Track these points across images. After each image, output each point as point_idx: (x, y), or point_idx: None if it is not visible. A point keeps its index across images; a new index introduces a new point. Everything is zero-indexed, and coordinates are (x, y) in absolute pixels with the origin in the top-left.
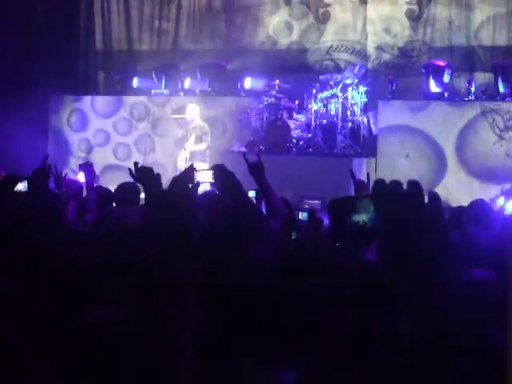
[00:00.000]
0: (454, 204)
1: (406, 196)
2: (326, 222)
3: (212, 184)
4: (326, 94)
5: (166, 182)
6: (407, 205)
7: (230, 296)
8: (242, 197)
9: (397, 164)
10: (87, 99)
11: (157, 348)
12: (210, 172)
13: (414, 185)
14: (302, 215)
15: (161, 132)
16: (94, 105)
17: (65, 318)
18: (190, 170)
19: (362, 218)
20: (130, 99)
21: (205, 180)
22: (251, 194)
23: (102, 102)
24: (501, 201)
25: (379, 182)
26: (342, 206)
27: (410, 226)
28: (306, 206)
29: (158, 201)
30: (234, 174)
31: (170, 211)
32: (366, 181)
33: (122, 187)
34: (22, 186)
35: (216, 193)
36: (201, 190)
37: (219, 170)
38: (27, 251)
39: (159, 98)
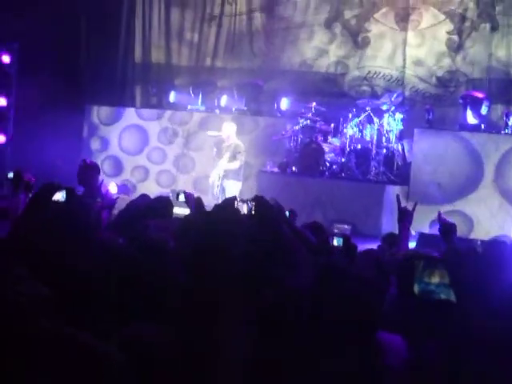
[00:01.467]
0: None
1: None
2: (360, 248)
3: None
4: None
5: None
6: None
7: (269, 319)
8: (279, 230)
9: (429, 193)
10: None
11: (196, 365)
12: (249, 202)
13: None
14: (338, 241)
15: (195, 148)
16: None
17: (107, 333)
18: (232, 201)
19: (432, 285)
20: (166, 113)
21: (244, 211)
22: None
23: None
24: None
25: (452, 250)
26: (412, 268)
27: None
28: (336, 231)
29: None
30: (273, 207)
31: (215, 237)
32: (411, 209)
33: (158, 200)
34: (60, 196)
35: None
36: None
37: (259, 203)
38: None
39: (195, 113)
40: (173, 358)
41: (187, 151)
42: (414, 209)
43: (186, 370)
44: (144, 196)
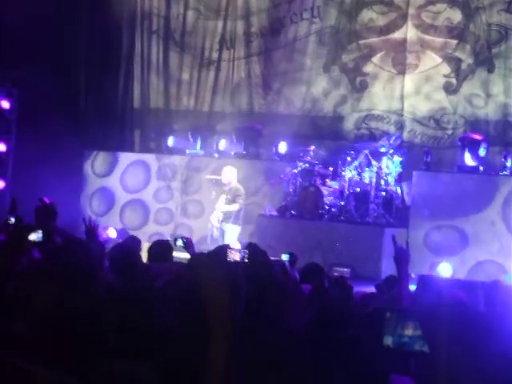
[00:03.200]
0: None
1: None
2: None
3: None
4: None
5: (197, 240)
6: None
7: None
8: (273, 274)
9: (429, 236)
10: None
11: None
12: (242, 251)
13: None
14: (285, 256)
15: (194, 192)
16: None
17: (90, 370)
18: (224, 249)
19: (405, 337)
20: (164, 158)
21: (236, 258)
22: (285, 257)
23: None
24: None
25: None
26: (382, 320)
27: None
28: (336, 274)
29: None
30: (266, 253)
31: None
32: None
33: (158, 245)
34: (35, 237)
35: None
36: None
37: (253, 249)
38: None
39: (194, 158)
40: None
41: (185, 195)
42: (407, 247)
43: None
44: (134, 238)
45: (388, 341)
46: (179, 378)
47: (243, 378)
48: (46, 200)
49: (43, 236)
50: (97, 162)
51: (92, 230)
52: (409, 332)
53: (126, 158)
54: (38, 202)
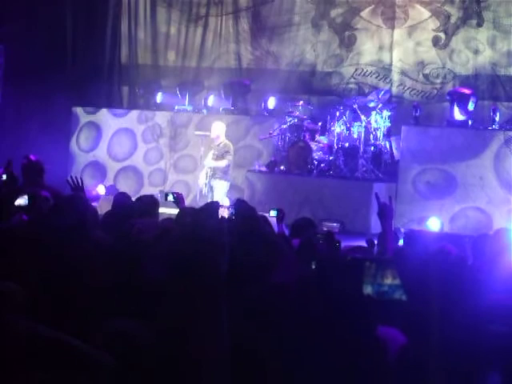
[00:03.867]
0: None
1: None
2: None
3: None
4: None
5: (189, 199)
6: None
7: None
8: (261, 229)
9: (417, 190)
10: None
11: (179, 359)
12: (230, 208)
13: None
14: (273, 213)
15: (182, 148)
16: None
17: (91, 329)
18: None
19: (385, 286)
20: (149, 119)
21: (224, 215)
22: (272, 213)
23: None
24: None
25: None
26: (362, 269)
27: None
28: (325, 229)
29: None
30: (255, 209)
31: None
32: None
33: (142, 200)
34: (22, 201)
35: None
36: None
37: (241, 205)
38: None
39: (182, 114)
40: (157, 353)
41: (174, 152)
42: (390, 202)
43: (170, 365)
44: (123, 194)
45: (368, 290)
46: (171, 333)
47: (231, 332)
48: (32, 157)
49: (29, 201)
50: (81, 138)
51: (78, 188)
52: (388, 281)
53: (109, 128)
54: (23, 159)
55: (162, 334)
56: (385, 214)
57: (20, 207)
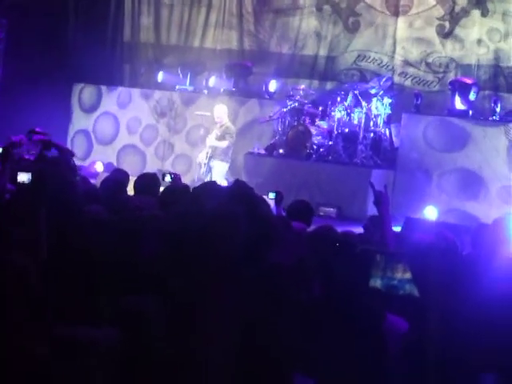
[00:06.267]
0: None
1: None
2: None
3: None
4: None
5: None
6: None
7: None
8: (259, 210)
9: (415, 178)
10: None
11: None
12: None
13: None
14: None
15: (182, 128)
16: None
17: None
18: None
19: (395, 280)
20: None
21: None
22: (271, 195)
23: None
24: None
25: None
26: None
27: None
28: (321, 214)
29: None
30: (253, 190)
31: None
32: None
33: (143, 178)
34: (25, 178)
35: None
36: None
37: (240, 186)
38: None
39: (183, 93)
40: (167, 328)
41: (175, 131)
42: (386, 191)
43: (180, 339)
44: (119, 170)
45: (376, 283)
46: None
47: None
48: (38, 130)
49: (32, 179)
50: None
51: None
52: (398, 275)
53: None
54: (29, 133)
55: (173, 309)
56: (381, 202)
57: (23, 184)
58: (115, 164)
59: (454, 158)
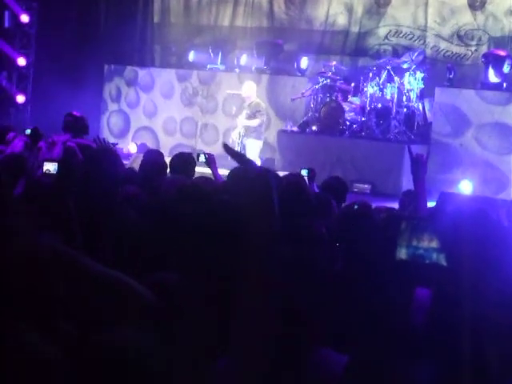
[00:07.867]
0: None
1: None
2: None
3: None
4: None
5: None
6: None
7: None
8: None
9: (450, 153)
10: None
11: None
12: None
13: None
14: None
15: (214, 107)
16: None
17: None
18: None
19: (420, 249)
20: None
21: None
22: (304, 172)
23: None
24: None
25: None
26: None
27: None
28: (356, 190)
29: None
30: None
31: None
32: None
33: (179, 157)
34: (52, 168)
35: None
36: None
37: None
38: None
39: (215, 72)
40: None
41: (207, 110)
42: (427, 157)
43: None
44: (153, 151)
45: (401, 253)
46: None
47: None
48: (76, 113)
49: (58, 169)
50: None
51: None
52: (424, 244)
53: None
54: (67, 116)
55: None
56: (418, 169)
57: (48, 173)
58: (148, 145)
59: (489, 131)
